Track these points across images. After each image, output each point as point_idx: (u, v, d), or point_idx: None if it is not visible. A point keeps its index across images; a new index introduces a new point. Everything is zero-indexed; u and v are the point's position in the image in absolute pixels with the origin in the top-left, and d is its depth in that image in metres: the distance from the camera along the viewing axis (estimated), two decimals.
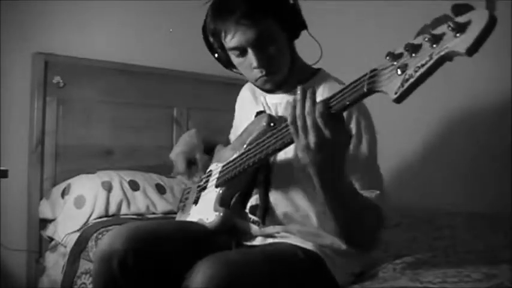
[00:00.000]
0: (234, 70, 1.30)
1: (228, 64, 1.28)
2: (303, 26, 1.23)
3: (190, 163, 1.42)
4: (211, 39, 1.25)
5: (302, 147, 0.90)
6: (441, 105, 2.46)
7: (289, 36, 1.22)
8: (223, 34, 1.17)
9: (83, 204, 2.17)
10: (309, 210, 1.24)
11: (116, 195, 2.24)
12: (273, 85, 1.24)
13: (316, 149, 0.88)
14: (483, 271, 1.16)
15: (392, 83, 0.75)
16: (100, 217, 2.17)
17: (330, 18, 2.68)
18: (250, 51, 1.16)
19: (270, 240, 1.28)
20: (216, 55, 1.28)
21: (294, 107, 0.91)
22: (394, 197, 2.59)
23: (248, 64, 1.19)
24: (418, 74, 0.71)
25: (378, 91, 0.79)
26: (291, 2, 1.21)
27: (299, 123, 0.89)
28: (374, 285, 1.20)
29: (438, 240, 1.70)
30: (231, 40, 1.16)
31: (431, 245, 1.64)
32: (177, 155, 1.42)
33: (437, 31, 0.70)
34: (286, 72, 1.23)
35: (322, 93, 1.20)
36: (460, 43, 0.66)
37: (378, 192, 1.12)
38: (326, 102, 0.87)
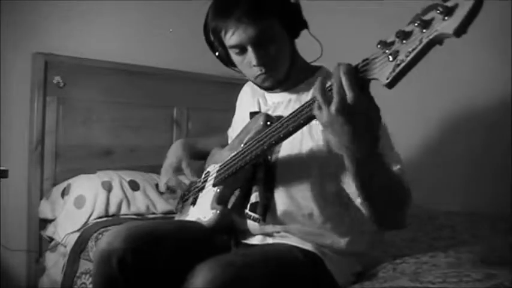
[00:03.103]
0: (235, 68, 1.30)
1: (229, 62, 1.28)
2: (304, 25, 1.23)
3: (179, 171, 1.45)
4: (212, 37, 1.25)
5: (328, 117, 0.85)
6: (441, 105, 2.46)
7: (290, 35, 1.22)
8: (223, 32, 1.17)
9: (83, 204, 2.17)
10: (311, 208, 1.23)
11: (116, 195, 2.24)
12: (272, 83, 1.24)
13: (345, 114, 0.83)
14: (483, 271, 1.15)
15: (383, 69, 0.77)
16: (100, 217, 2.17)
17: (330, 16, 2.68)
18: (250, 49, 1.17)
19: (269, 240, 1.28)
20: (217, 53, 1.28)
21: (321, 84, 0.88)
22: None
23: (248, 62, 1.19)
24: (409, 58, 0.73)
25: (370, 79, 0.82)
26: (292, 1, 1.21)
27: (323, 94, 0.86)
28: (374, 285, 1.20)
29: (438, 240, 1.70)
30: (231, 38, 1.16)
31: (431, 245, 1.64)
32: (165, 170, 1.46)
33: (427, 17, 0.72)
34: (285, 70, 1.23)
35: None
36: (448, 25, 0.68)
37: (399, 166, 1.08)
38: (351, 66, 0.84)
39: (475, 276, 1.12)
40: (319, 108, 0.88)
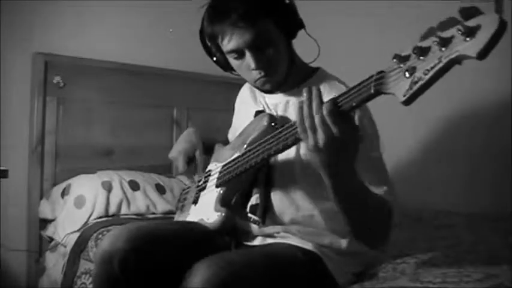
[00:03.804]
0: (234, 72, 1.30)
1: (227, 67, 1.28)
2: (300, 25, 1.23)
3: (190, 161, 1.42)
4: (208, 43, 1.25)
5: (311, 147, 0.87)
6: (441, 104, 2.46)
7: (287, 36, 1.21)
8: (220, 37, 1.17)
9: (83, 204, 2.17)
10: (312, 210, 1.23)
11: (116, 195, 2.24)
12: (272, 86, 1.24)
13: (326, 148, 0.85)
14: (483, 271, 1.16)
15: (399, 85, 0.75)
16: (100, 217, 2.16)
17: (327, 18, 2.69)
18: (247, 53, 1.16)
19: (269, 240, 1.28)
20: (215, 58, 1.28)
21: (301, 108, 0.89)
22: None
23: (246, 66, 1.19)
24: (427, 77, 0.71)
25: (385, 93, 0.79)
26: (287, 1, 1.20)
27: (307, 123, 0.87)
28: (374, 285, 1.20)
29: (438, 240, 1.70)
30: (228, 43, 1.16)
31: (431, 245, 1.64)
32: (178, 153, 1.43)
33: (446, 34, 0.70)
34: (285, 72, 1.23)
35: (323, 92, 1.20)
36: (470, 47, 0.66)
37: (386, 187, 1.10)
38: (334, 100, 0.86)
39: (475, 276, 1.12)
40: (304, 133, 0.88)
